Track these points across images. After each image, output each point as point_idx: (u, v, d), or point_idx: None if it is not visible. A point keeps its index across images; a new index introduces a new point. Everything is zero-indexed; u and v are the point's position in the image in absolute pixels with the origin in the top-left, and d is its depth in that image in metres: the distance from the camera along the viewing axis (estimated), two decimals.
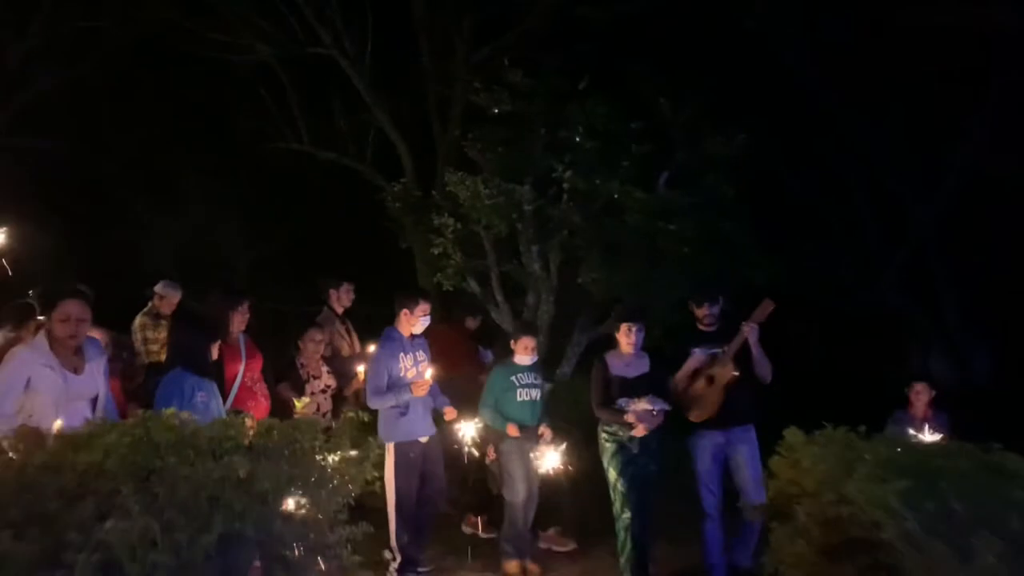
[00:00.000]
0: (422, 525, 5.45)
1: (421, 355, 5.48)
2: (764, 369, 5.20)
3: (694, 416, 5.31)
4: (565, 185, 8.24)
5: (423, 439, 5.38)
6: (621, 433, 5.22)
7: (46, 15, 11.01)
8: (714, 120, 8.30)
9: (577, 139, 8.24)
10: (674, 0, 8.78)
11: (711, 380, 5.22)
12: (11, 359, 3.61)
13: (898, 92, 9.75)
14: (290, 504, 2.34)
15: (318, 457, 2.62)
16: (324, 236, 12.00)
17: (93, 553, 1.57)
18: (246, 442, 2.55)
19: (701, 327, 5.42)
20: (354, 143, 11.05)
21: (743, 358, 5.18)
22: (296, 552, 2.30)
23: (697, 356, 5.29)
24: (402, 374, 5.31)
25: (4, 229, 4.76)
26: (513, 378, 5.61)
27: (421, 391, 5.23)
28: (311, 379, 5.96)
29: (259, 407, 5.07)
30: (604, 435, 5.32)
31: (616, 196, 8.09)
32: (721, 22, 9.10)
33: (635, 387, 5.21)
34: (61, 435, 2.35)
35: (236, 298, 5.13)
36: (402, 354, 5.39)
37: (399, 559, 5.30)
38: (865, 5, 9.64)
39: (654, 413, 5.07)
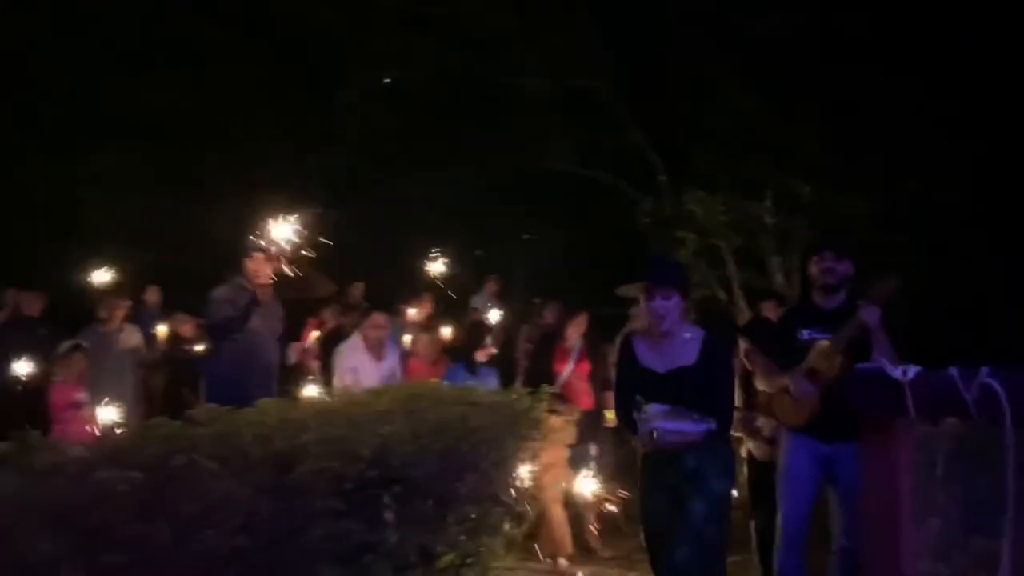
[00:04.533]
0: None
1: None
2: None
3: (784, 422, 4.32)
4: (803, 199, 9.08)
5: None
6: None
7: (365, 67, 13.82)
8: (954, 129, 8.63)
9: (812, 154, 9.04)
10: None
11: (812, 376, 4.09)
12: (345, 352, 5.74)
13: None
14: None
15: None
16: (590, 247, 13.59)
17: (379, 440, 3.15)
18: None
19: (817, 299, 4.28)
20: (614, 161, 12.50)
21: (858, 351, 3.94)
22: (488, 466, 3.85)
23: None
24: None
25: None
26: None
27: None
28: None
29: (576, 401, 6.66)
30: None
31: (851, 208, 8.79)
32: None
33: (664, 387, 3.69)
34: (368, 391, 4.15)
35: (572, 311, 6.89)
36: None
37: None
38: None
39: (654, 436, 3.52)
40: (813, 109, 9.07)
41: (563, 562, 5.97)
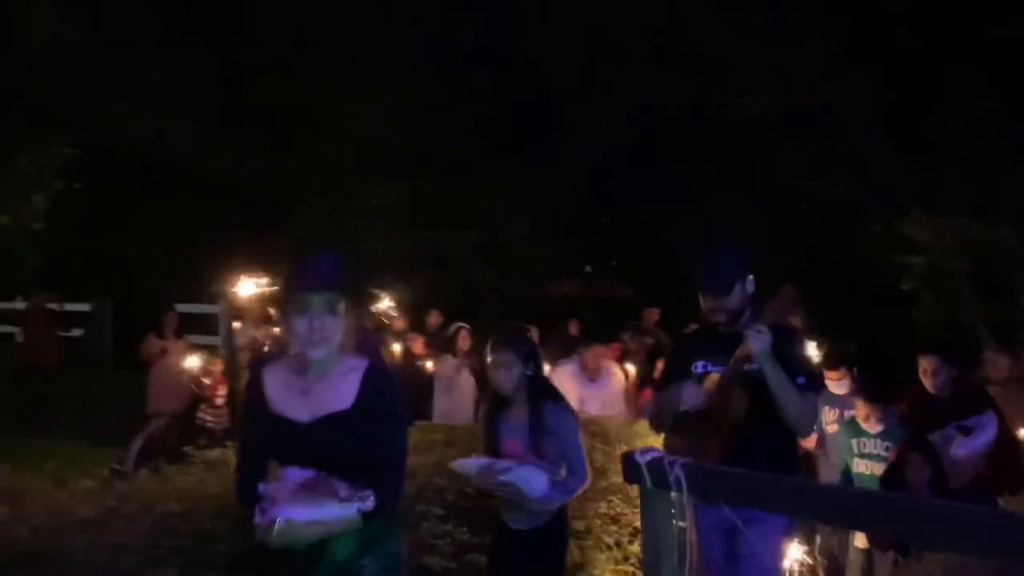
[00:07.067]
0: None
1: None
2: (790, 406, 3.23)
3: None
4: None
5: None
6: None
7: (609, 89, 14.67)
8: None
9: None
10: None
11: (706, 419, 3.34)
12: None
13: None
14: None
15: None
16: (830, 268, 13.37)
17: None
18: None
19: (720, 329, 3.49)
20: (848, 181, 12.25)
21: (762, 384, 3.26)
22: None
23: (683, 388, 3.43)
24: None
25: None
26: (853, 441, 4.94)
27: None
28: None
29: None
30: None
31: None
32: None
33: (308, 445, 2.49)
34: None
35: None
36: None
37: None
38: None
39: (274, 531, 2.25)
40: None
41: None
